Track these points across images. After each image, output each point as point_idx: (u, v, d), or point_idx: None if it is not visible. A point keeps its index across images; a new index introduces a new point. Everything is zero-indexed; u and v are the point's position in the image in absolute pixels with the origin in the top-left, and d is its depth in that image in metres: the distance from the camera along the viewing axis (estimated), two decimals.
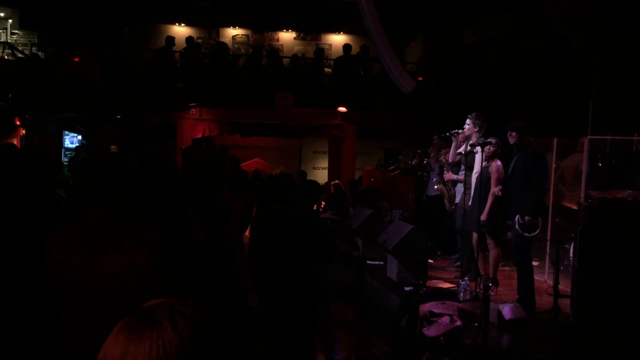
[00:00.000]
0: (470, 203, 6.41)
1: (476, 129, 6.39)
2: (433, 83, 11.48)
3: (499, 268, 6.63)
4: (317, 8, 13.68)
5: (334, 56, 14.18)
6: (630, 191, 4.99)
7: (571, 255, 6.37)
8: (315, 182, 5.03)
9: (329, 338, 4.45)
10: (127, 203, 2.01)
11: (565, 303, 5.51)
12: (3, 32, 13.55)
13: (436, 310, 5.08)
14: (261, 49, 13.64)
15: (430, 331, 4.82)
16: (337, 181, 9.95)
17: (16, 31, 13.79)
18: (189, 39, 12.65)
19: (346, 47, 12.59)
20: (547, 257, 6.92)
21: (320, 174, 14.33)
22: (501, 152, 6.22)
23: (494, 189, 6.03)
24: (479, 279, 6.15)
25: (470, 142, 6.42)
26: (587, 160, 6.43)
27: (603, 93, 6.62)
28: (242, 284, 3.54)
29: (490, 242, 6.24)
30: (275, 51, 13.72)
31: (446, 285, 6.38)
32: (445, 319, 4.92)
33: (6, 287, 1.97)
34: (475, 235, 6.32)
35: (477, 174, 6.32)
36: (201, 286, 2.09)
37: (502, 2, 9.19)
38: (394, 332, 4.85)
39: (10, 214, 2.22)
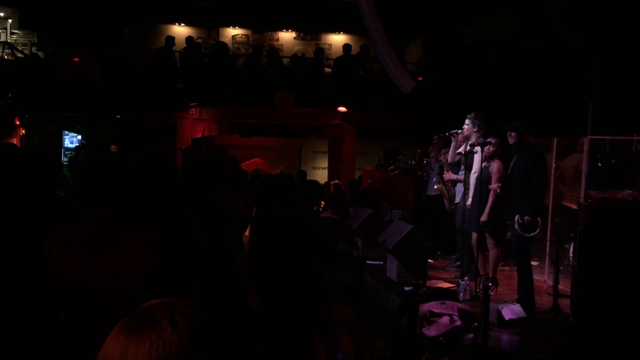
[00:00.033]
0: (467, 203, 6.42)
1: (475, 129, 6.40)
2: (433, 83, 11.48)
3: (499, 268, 6.64)
4: (317, 8, 13.69)
5: (333, 56, 14.18)
6: (629, 191, 4.99)
7: (571, 255, 6.37)
8: (316, 182, 5.03)
9: (331, 338, 4.45)
10: (127, 203, 2.01)
11: (565, 303, 5.51)
12: (3, 32, 13.54)
13: (436, 310, 5.08)
14: (261, 48, 13.64)
15: (430, 331, 4.82)
16: (337, 181, 9.95)
17: (16, 31, 13.79)
18: (188, 39, 12.64)
19: (346, 47, 12.59)
20: (547, 257, 6.92)
21: (320, 174, 14.33)
22: (501, 152, 6.22)
23: (493, 186, 6.03)
24: (478, 279, 6.15)
25: (470, 142, 6.43)
26: (586, 160, 6.43)
27: (603, 93, 6.62)
28: (242, 284, 3.54)
29: (489, 242, 6.25)
30: (275, 51, 13.72)
31: (446, 285, 6.38)
32: (445, 319, 4.92)
33: (6, 287, 1.98)
34: (474, 235, 6.32)
35: (475, 174, 6.32)
36: (201, 286, 2.09)
37: (502, 2, 9.19)
38: (394, 332, 4.86)
39: (10, 214, 2.22)
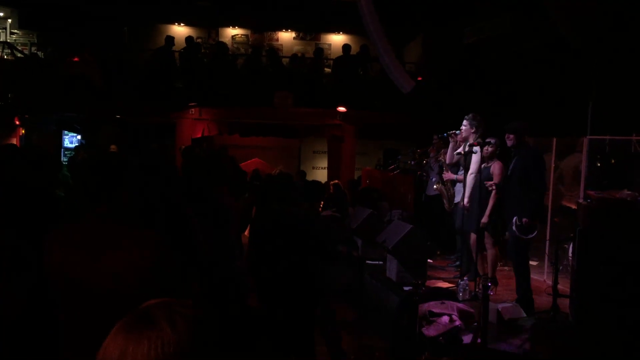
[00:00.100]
0: (463, 203, 6.45)
1: (473, 130, 6.40)
2: (433, 83, 11.48)
3: (498, 268, 6.64)
4: (316, 8, 13.68)
5: (333, 56, 14.18)
6: (628, 191, 4.99)
7: (570, 255, 6.37)
8: (318, 182, 5.04)
9: (333, 337, 4.45)
10: (127, 203, 2.02)
11: (564, 303, 5.52)
12: (2, 31, 13.54)
13: (435, 310, 5.09)
14: (261, 48, 13.64)
15: (430, 331, 4.82)
16: (336, 181, 9.95)
17: (15, 31, 13.78)
18: (188, 39, 12.65)
19: (345, 47, 12.59)
20: (547, 257, 6.92)
21: (320, 174, 14.33)
22: (500, 152, 6.22)
23: (489, 183, 6.01)
24: (478, 279, 6.15)
25: (469, 142, 6.43)
26: (586, 160, 6.43)
27: (602, 93, 6.62)
28: (242, 284, 3.54)
29: (487, 242, 6.25)
30: (275, 51, 13.73)
31: (445, 285, 6.38)
32: (445, 319, 4.93)
33: (6, 287, 1.98)
34: (473, 235, 6.33)
35: (472, 175, 6.32)
36: (201, 286, 2.09)
37: (502, 2, 9.19)
38: (394, 332, 4.86)
39: (10, 214, 2.22)
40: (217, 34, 15.80)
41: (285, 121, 12.08)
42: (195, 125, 11.94)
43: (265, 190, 4.24)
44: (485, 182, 6.02)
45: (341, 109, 12.04)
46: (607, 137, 6.55)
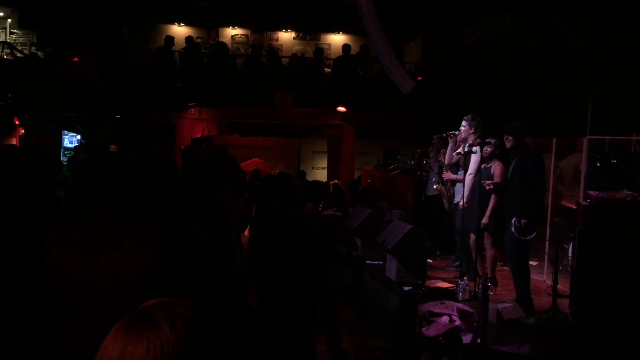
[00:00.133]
0: (460, 202, 6.47)
1: (472, 131, 6.41)
2: (433, 83, 11.48)
3: (498, 268, 6.64)
4: (316, 8, 13.69)
5: (333, 56, 14.18)
6: (628, 191, 5.00)
7: (570, 255, 6.37)
8: (319, 182, 5.04)
9: (334, 337, 4.46)
10: (127, 203, 2.02)
11: (564, 303, 5.52)
12: (2, 31, 13.54)
13: (435, 310, 5.09)
14: (260, 48, 13.64)
15: (430, 331, 4.82)
16: (336, 181, 9.95)
17: (15, 31, 13.78)
18: (188, 39, 12.65)
19: (345, 47, 12.59)
20: (546, 257, 6.92)
21: (320, 174, 14.33)
22: (500, 152, 6.22)
23: (487, 182, 6.00)
24: (477, 279, 6.15)
25: (469, 142, 6.43)
26: (586, 160, 6.43)
27: (602, 93, 6.62)
28: (242, 284, 3.54)
29: (486, 242, 6.25)
30: (275, 51, 13.73)
31: (445, 285, 6.38)
32: (445, 319, 4.93)
33: (6, 287, 1.98)
34: (472, 235, 6.33)
35: (471, 176, 6.33)
36: (201, 286, 2.09)
37: (502, 2, 9.19)
38: (394, 332, 4.86)
39: (10, 214, 2.22)
40: (217, 34, 15.80)
41: (285, 121, 12.08)
42: (195, 125, 11.93)
43: (265, 190, 4.24)
44: (483, 182, 6.01)
45: (341, 109, 12.05)
46: (607, 137, 6.55)
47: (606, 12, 6.24)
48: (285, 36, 16.21)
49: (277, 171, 7.77)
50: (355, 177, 12.28)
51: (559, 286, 5.60)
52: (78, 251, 1.84)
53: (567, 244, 6.73)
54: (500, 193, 6.01)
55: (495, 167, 6.14)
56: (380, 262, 6.64)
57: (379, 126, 12.08)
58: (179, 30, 15.10)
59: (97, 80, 11.23)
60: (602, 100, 6.58)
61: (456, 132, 6.59)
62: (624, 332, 4.55)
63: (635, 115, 6.35)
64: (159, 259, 1.82)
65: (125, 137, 12.28)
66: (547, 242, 6.89)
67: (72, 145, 13.41)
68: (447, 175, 7.18)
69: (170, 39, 12.38)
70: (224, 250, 3.31)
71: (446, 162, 7.02)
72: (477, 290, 5.90)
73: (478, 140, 6.10)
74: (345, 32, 15.79)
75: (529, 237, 5.59)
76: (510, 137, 5.71)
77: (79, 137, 13.95)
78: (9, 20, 13.72)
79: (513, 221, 5.60)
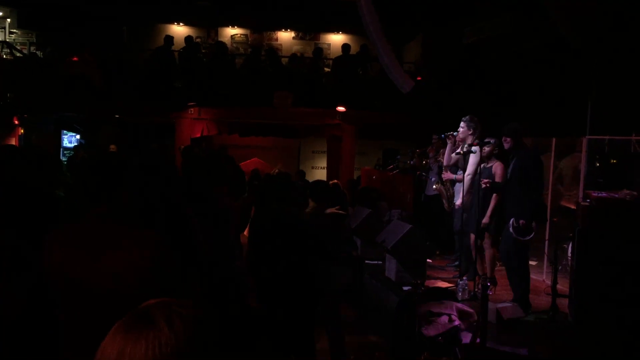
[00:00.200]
0: (457, 202, 6.48)
1: (470, 132, 6.42)
2: (432, 83, 11.48)
3: (497, 268, 6.64)
4: (316, 8, 13.68)
5: (332, 56, 14.18)
6: (627, 191, 5.00)
7: (569, 255, 6.38)
8: (323, 182, 5.04)
9: (335, 336, 4.47)
10: (127, 203, 2.01)
11: (563, 303, 5.53)
12: (1, 31, 13.53)
13: (435, 310, 5.09)
14: (260, 48, 13.63)
15: (429, 330, 4.82)
16: (335, 181, 9.94)
17: (14, 30, 13.77)
18: (187, 39, 12.64)
19: (345, 46, 12.59)
20: (546, 257, 6.93)
21: (319, 174, 14.33)
22: (500, 152, 6.23)
23: (484, 181, 6.00)
24: (477, 279, 6.16)
25: (468, 143, 6.44)
26: (585, 160, 6.44)
27: (602, 93, 6.62)
28: (242, 284, 3.54)
29: (486, 242, 6.26)
30: (274, 51, 13.72)
31: (445, 284, 6.39)
32: (444, 319, 4.93)
33: (6, 287, 1.98)
34: (472, 235, 6.33)
35: (469, 176, 6.33)
36: (201, 286, 2.09)
37: (502, 2, 9.19)
38: (393, 332, 4.86)
39: (10, 214, 2.22)
40: (217, 34, 15.80)
41: (285, 121, 12.07)
42: (195, 125, 11.92)
43: (264, 190, 4.24)
44: (482, 180, 6.02)
45: (341, 108, 12.04)
46: (607, 137, 6.56)
47: (606, 12, 6.24)
48: (285, 36, 16.20)
49: (277, 171, 7.77)
50: (355, 177, 12.27)
51: (558, 286, 5.61)
52: (78, 251, 1.84)
53: (566, 244, 6.73)
54: (499, 193, 6.02)
55: (497, 167, 6.14)
56: (380, 262, 6.65)
57: (379, 126, 12.07)
58: (179, 30, 15.09)
59: (96, 80, 11.23)
60: (601, 100, 6.59)
61: (454, 133, 6.60)
62: (623, 332, 4.56)
63: (634, 115, 6.35)
64: (159, 259, 1.82)
65: (125, 137, 12.28)
66: (546, 242, 6.90)
67: (72, 145, 13.41)
68: (447, 175, 7.19)
69: (170, 39, 12.37)
70: (224, 250, 3.32)
71: (445, 163, 7.02)
72: (476, 290, 5.91)
73: (477, 141, 6.11)
74: (344, 31, 15.79)
75: (527, 238, 5.59)
76: (509, 138, 5.71)
77: (78, 137, 13.95)
78: (9, 19, 13.71)
79: (511, 221, 5.60)
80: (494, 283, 6.32)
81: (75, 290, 1.81)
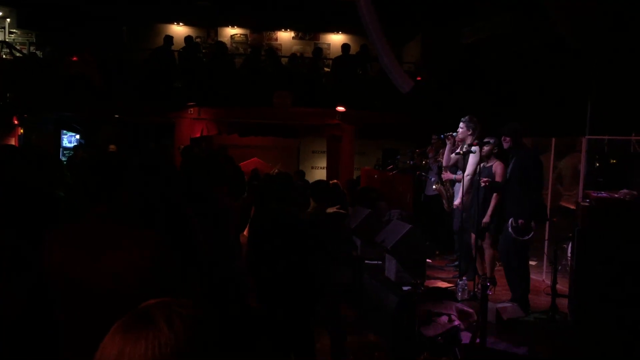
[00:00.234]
0: (455, 202, 6.47)
1: (469, 132, 6.42)
2: (432, 83, 11.49)
3: (497, 268, 6.65)
4: (315, 8, 13.68)
5: (332, 56, 14.19)
6: (626, 190, 5.00)
7: (569, 255, 6.38)
8: (324, 182, 5.03)
9: (337, 336, 4.47)
10: (127, 203, 2.01)
11: (563, 303, 5.52)
12: (1, 31, 13.52)
13: (434, 310, 5.09)
14: (260, 48, 13.63)
15: (429, 330, 4.82)
16: (335, 181, 9.94)
17: (14, 30, 13.76)
18: (187, 39, 12.63)
19: (344, 46, 12.59)
20: (545, 257, 6.93)
21: (319, 174, 14.33)
22: (499, 152, 6.23)
23: (483, 179, 6.01)
24: (477, 279, 6.16)
25: (467, 143, 6.44)
26: (585, 160, 6.44)
27: (602, 93, 6.63)
28: (242, 284, 3.54)
29: (485, 242, 6.25)
30: (274, 51, 13.72)
31: (444, 284, 6.38)
32: (444, 319, 4.93)
33: (6, 287, 1.97)
34: (472, 235, 6.33)
35: (469, 177, 6.33)
36: (201, 286, 2.09)
37: (501, 2, 9.19)
38: (393, 332, 4.87)
39: (10, 214, 2.22)
40: (216, 34, 15.79)
41: (284, 121, 12.07)
42: (194, 125, 11.92)
43: (264, 190, 4.24)
44: (481, 179, 6.01)
45: (340, 108, 12.04)
46: (606, 137, 6.56)
47: (606, 12, 6.25)
48: (285, 36, 16.20)
49: (276, 171, 7.77)
50: (354, 177, 12.27)
51: (558, 286, 5.61)
52: (78, 251, 1.84)
53: (566, 244, 6.73)
54: (500, 192, 6.02)
55: (497, 166, 6.14)
56: (380, 262, 6.64)
57: (378, 126, 12.07)
58: (178, 30, 15.09)
59: (96, 80, 11.22)
60: (601, 100, 6.59)
61: (454, 134, 6.60)
62: (622, 332, 4.56)
63: (634, 115, 6.36)
64: (159, 259, 1.82)
65: (124, 137, 12.27)
66: (546, 242, 6.90)
67: (71, 145, 13.41)
68: (446, 175, 7.19)
69: (170, 39, 12.36)
70: (224, 250, 3.31)
71: (444, 164, 7.03)
72: (476, 290, 5.91)
73: (476, 141, 6.11)
74: (344, 31, 15.79)
75: (526, 238, 5.59)
76: (508, 138, 5.71)
77: (77, 136, 13.95)
78: (8, 19, 13.70)
79: (510, 221, 5.60)
80: (494, 283, 6.32)
81: (75, 290, 1.81)
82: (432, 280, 6.56)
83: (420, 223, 7.27)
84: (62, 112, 11.96)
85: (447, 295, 5.81)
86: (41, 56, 12.80)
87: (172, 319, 1.03)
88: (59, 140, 13.17)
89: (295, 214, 3.86)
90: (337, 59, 12.63)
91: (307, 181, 9.36)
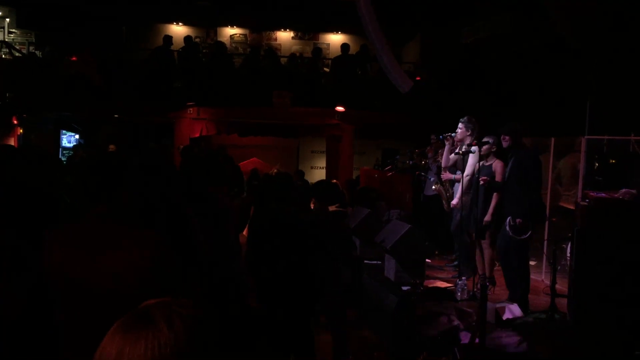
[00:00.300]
0: (453, 202, 6.48)
1: (468, 133, 6.43)
2: (432, 83, 11.49)
3: (496, 268, 6.65)
4: (315, 8, 13.68)
5: (331, 56, 14.19)
6: (625, 190, 5.00)
7: (568, 255, 6.38)
8: (324, 182, 5.03)
9: (339, 335, 4.47)
10: (127, 203, 2.01)
11: (562, 303, 5.53)
12: (0, 31, 13.52)
13: (434, 310, 5.09)
14: (259, 48, 13.63)
15: (428, 330, 4.82)
16: (334, 181, 9.94)
17: (13, 30, 13.76)
18: (187, 39, 12.63)
19: (344, 46, 12.59)
20: (545, 257, 6.93)
21: (318, 174, 14.33)
22: (498, 151, 6.23)
23: (483, 178, 6.00)
24: (476, 279, 6.16)
25: (466, 143, 6.44)
26: (584, 160, 6.44)
27: (601, 93, 6.63)
28: (242, 284, 3.54)
29: (484, 242, 6.26)
30: (273, 50, 13.72)
31: (443, 284, 6.39)
32: (443, 319, 4.93)
33: (6, 287, 1.98)
34: (472, 235, 6.34)
35: (468, 177, 6.33)
36: (201, 286, 2.09)
37: (501, 2, 9.19)
38: (392, 332, 4.86)
39: (10, 214, 2.22)
40: (216, 34, 15.80)
41: (284, 121, 12.06)
42: (194, 124, 11.91)
43: (263, 189, 4.24)
44: (480, 178, 6.02)
45: (340, 108, 12.04)
46: (606, 137, 6.57)
47: (606, 12, 6.25)
48: (284, 36, 16.20)
49: (275, 171, 7.76)
50: (354, 177, 12.27)
51: (557, 286, 5.61)
52: (78, 251, 1.84)
53: (565, 244, 6.74)
54: (500, 191, 6.02)
55: (497, 165, 6.15)
56: (379, 262, 6.65)
57: (378, 126, 12.07)
58: (178, 30, 15.09)
59: (96, 80, 11.21)
60: (600, 100, 6.60)
61: (452, 134, 6.60)
62: (622, 332, 4.56)
63: (633, 115, 6.36)
64: (159, 259, 1.82)
65: (124, 137, 12.27)
66: (545, 242, 6.91)
67: (71, 145, 13.40)
68: (446, 175, 7.20)
69: (169, 39, 12.36)
70: (224, 250, 3.31)
71: (443, 165, 7.03)
72: (475, 289, 5.91)
73: (475, 141, 6.11)
74: (343, 31, 15.79)
75: (524, 237, 5.59)
76: (507, 137, 5.72)
77: (77, 136, 13.94)
78: (7, 19, 13.69)
79: (508, 220, 5.61)
80: (493, 283, 6.32)
81: (75, 290, 1.81)
82: (432, 280, 6.57)
83: (419, 223, 7.28)
84: (62, 112, 11.96)
85: (447, 295, 5.82)
86: (41, 56, 12.79)
87: (172, 319, 1.03)
88: (58, 140, 13.16)
89: (295, 214, 3.86)
90: (337, 59, 12.63)
91: (307, 181, 9.38)
